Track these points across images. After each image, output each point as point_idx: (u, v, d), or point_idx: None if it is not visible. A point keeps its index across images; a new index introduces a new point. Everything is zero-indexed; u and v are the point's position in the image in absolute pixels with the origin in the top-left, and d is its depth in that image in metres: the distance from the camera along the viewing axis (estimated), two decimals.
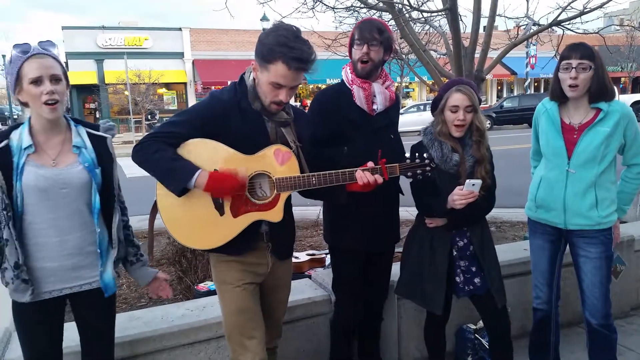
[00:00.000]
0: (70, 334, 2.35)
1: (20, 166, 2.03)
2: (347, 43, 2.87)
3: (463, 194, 2.54)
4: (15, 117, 33.58)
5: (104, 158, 2.22)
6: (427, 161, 2.41)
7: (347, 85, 2.81)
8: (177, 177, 2.20)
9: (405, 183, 2.79)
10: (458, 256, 2.78)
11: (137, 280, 2.50)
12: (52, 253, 2.10)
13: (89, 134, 2.22)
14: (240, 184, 2.21)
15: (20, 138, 2.07)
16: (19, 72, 2.02)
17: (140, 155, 2.24)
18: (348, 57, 2.90)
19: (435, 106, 2.77)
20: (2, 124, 33.71)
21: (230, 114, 2.29)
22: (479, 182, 2.53)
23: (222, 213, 2.27)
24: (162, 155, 2.20)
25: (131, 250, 2.42)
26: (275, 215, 2.31)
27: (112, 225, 2.24)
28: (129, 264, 2.43)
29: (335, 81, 2.90)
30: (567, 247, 2.97)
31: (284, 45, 2.16)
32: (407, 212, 3.05)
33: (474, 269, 2.78)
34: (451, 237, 2.78)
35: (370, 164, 2.38)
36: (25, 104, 2.10)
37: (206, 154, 2.25)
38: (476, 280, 2.78)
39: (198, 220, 2.28)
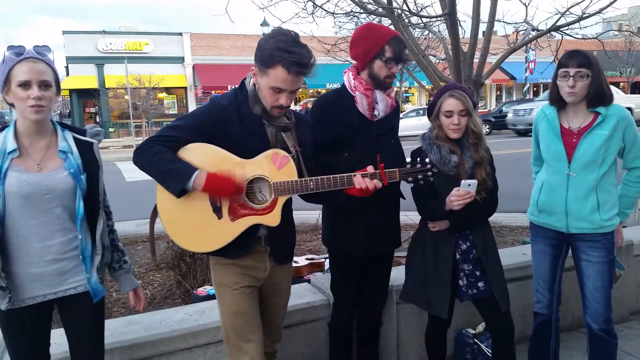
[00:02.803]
0: (61, 340, 2.34)
1: (3, 171, 2.01)
2: (360, 49, 2.81)
3: (460, 194, 2.55)
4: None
5: (90, 164, 2.19)
6: (428, 166, 2.40)
7: (350, 91, 2.80)
8: (175, 177, 2.21)
9: (405, 187, 2.79)
10: (461, 260, 2.78)
11: (121, 286, 2.48)
12: (35, 259, 2.08)
13: (75, 139, 2.20)
14: (237, 186, 2.22)
15: (4, 141, 2.05)
16: (9, 72, 2.01)
17: (141, 157, 2.26)
18: (348, 62, 2.89)
19: (431, 112, 2.80)
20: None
21: (230, 118, 2.31)
22: (474, 182, 2.55)
23: (220, 216, 2.27)
24: (161, 158, 2.22)
25: (115, 256, 2.39)
26: (272, 219, 2.31)
27: (97, 231, 2.21)
28: (112, 270, 2.40)
29: (335, 85, 2.90)
30: (569, 251, 2.97)
31: (283, 50, 2.17)
32: (407, 216, 3.05)
33: (477, 273, 2.78)
34: (454, 241, 2.78)
35: (369, 169, 2.38)
36: (11, 105, 2.09)
37: (205, 158, 2.26)
38: (480, 284, 2.77)
39: (196, 224, 2.29)
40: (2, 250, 2.03)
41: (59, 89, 2.14)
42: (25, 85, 2.01)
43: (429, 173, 2.40)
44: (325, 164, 2.52)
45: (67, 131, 2.21)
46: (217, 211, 2.27)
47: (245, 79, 2.40)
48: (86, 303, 2.20)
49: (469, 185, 2.53)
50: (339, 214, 2.79)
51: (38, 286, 2.11)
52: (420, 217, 2.92)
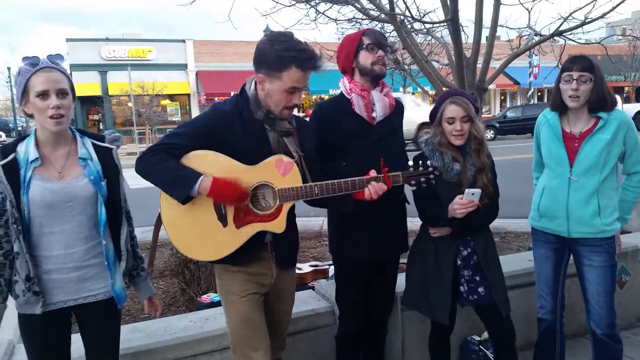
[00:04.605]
0: (77, 345, 2.34)
1: (27, 180, 2.03)
2: (342, 53, 2.86)
3: (463, 203, 2.56)
4: (20, 128, 33.81)
5: (110, 170, 2.21)
6: (430, 169, 2.41)
7: (346, 95, 2.82)
8: (181, 184, 2.21)
9: (409, 192, 2.78)
10: (462, 265, 2.79)
11: (139, 292, 2.49)
12: (58, 265, 2.10)
13: (94, 145, 2.22)
14: (242, 192, 2.22)
15: (26, 151, 2.07)
16: (26, 84, 2.04)
17: (144, 166, 2.26)
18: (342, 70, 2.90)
19: (433, 118, 2.81)
20: (6, 136, 33.90)
21: (232, 125, 2.31)
22: (478, 191, 2.56)
23: (225, 224, 2.27)
24: (164, 165, 2.22)
25: (134, 264, 2.40)
26: (277, 226, 2.30)
27: (120, 237, 2.23)
28: (131, 277, 2.41)
29: (338, 92, 2.91)
30: (571, 256, 2.96)
31: (292, 49, 2.20)
32: (411, 222, 3.04)
33: (477, 278, 2.78)
34: (455, 247, 2.78)
35: (373, 173, 2.38)
36: (30, 116, 2.11)
37: (208, 165, 2.26)
38: (480, 289, 2.78)
39: (201, 232, 2.28)
40: (31, 257, 2.06)
41: (74, 96, 2.15)
42: (44, 95, 2.02)
43: (431, 176, 2.41)
44: (326, 171, 2.52)
45: (86, 138, 2.23)
46: (222, 219, 2.27)
47: (245, 84, 2.41)
48: (104, 310, 2.22)
49: (473, 194, 2.55)
50: (344, 218, 2.78)
51: (59, 292, 2.13)
52: (421, 223, 2.91)
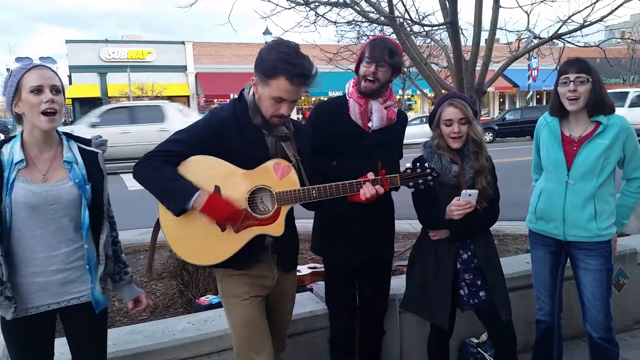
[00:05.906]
0: (63, 349, 2.34)
1: (10, 181, 2.02)
2: (352, 55, 2.88)
3: (460, 204, 2.56)
4: (18, 129, 33.73)
5: (95, 174, 2.20)
6: (428, 170, 2.42)
7: (347, 97, 2.82)
8: (176, 197, 2.21)
9: (396, 196, 2.77)
10: (462, 269, 2.78)
11: (121, 296, 2.49)
12: (40, 268, 2.09)
13: (80, 149, 2.21)
14: (236, 212, 2.23)
15: (11, 152, 2.06)
16: (19, 82, 2.04)
17: (141, 173, 2.26)
18: (350, 70, 2.91)
19: (432, 121, 2.82)
20: (5, 137, 33.86)
21: (230, 130, 2.31)
22: (475, 192, 2.56)
23: (223, 229, 2.27)
24: (161, 175, 2.22)
25: (117, 268, 2.39)
26: (276, 229, 2.31)
27: (100, 241, 2.22)
28: (113, 281, 2.40)
29: (337, 94, 2.92)
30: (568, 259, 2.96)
31: (286, 61, 2.20)
32: (410, 225, 3.04)
33: (479, 282, 2.78)
34: (455, 250, 2.78)
35: (370, 175, 2.39)
36: (19, 118, 2.10)
37: (207, 170, 2.26)
38: (481, 293, 2.77)
39: (200, 237, 2.28)
40: (8, 261, 2.04)
41: (64, 98, 2.16)
42: (38, 90, 2.03)
43: (429, 177, 2.42)
44: (315, 170, 2.53)
45: (72, 141, 2.22)
46: (221, 224, 2.27)
47: (243, 89, 2.41)
48: (89, 313, 2.20)
49: (470, 195, 2.54)
50: (327, 222, 2.81)
51: (42, 296, 2.11)
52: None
